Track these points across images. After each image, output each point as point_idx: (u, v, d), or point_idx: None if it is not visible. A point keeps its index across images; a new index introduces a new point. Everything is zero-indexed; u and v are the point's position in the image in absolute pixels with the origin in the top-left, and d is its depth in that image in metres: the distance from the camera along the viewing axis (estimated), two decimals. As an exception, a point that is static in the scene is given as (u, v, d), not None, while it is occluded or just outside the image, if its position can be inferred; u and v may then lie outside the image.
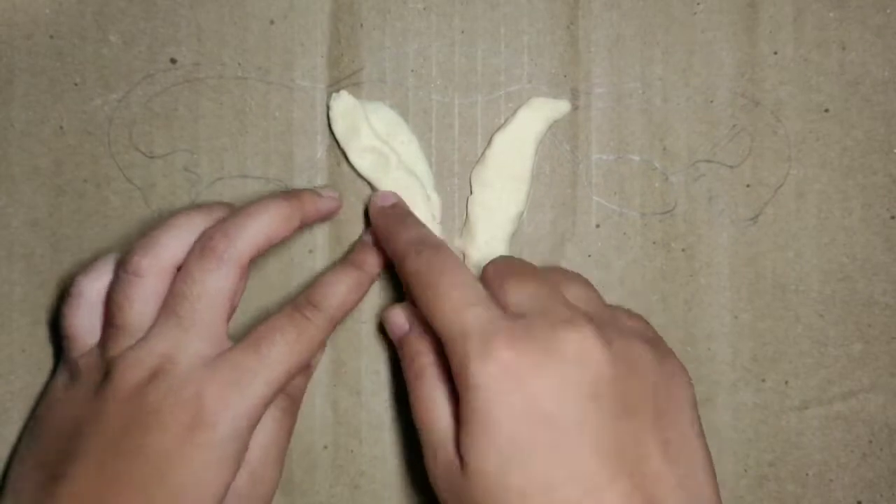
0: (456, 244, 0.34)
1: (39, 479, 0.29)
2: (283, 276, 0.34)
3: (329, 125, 0.34)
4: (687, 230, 0.34)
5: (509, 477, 0.26)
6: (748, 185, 0.34)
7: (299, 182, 0.34)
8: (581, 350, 0.27)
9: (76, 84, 0.34)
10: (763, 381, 0.34)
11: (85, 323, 0.30)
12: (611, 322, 0.29)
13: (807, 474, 0.34)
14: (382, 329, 0.34)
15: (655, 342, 0.29)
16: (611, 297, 0.34)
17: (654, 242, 0.34)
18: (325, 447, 0.34)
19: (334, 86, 0.34)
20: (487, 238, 0.33)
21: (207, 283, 0.29)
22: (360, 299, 0.32)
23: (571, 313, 0.27)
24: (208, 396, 0.28)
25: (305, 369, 0.33)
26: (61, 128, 0.34)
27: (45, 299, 0.34)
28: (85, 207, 0.34)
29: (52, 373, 0.33)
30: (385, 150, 0.33)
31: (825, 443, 0.34)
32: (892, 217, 0.34)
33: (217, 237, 0.29)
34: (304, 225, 0.31)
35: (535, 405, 0.26)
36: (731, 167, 0.34)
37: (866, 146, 0.34)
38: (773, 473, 0.34)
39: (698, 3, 0.34)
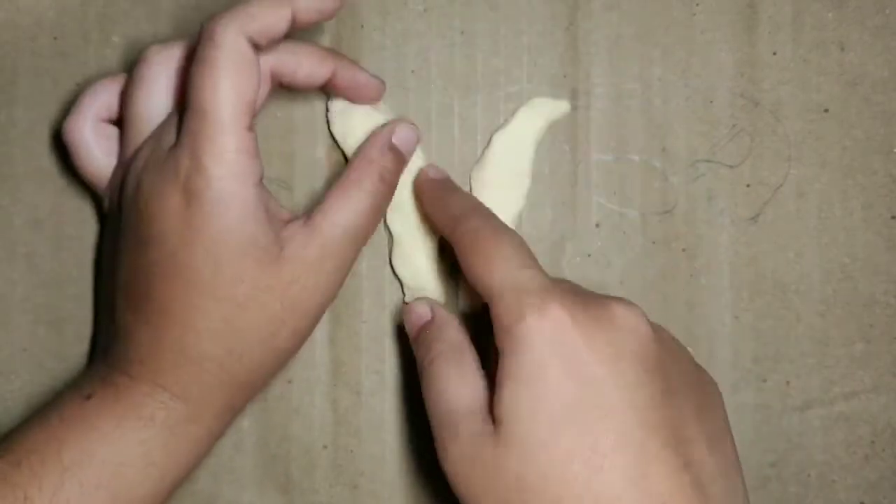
0: (456, 244, 0.34)
1: (107, 300, 0.31)
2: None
3: (328, 125, 0.34)
4: (687, 230, 0.34)
5: (556, 437, 0.25)
6: (748, 185, 0.34)
7: (300, 182, 0.34)
8: (632, 324, 0.27)
9: (79, 85, 0.34)
10: (764, 381, 0.34)
11: (101, 157, 0.31)
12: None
13: (809, 475, 0.34)
14: (382, 329, 0.34)
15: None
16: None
17: (653, 242, 0.34)
18: (325, 447, 0.34)
19: (335, 86, 0.34)
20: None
21: (201, 60, 0.28)
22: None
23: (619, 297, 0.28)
24: (183, 172, 0.28)
25: (402, 167, 0.32)
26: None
27: (46, 299, 0.34)
28: (87, 207, 0.34)
29: (52, 372, 0.33)
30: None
31: (827, 443, 0.34)
32: (893, 217, 0.34)
33: (210, 21, 0.28)
34: (301, 22, 0.29)
35: (587, 368, 0.26)
36: (730, 167, 0.34)
37: (866, 146, 0.34)
38: (775, 474, 0.34)
39: (697, 4, 0.34)
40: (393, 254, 0.34)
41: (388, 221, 0.33)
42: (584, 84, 0.34)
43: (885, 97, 0.34)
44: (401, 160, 0.32)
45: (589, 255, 0.34)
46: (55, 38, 0.34)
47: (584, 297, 0.27)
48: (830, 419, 0.34)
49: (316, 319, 0.31)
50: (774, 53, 0.34)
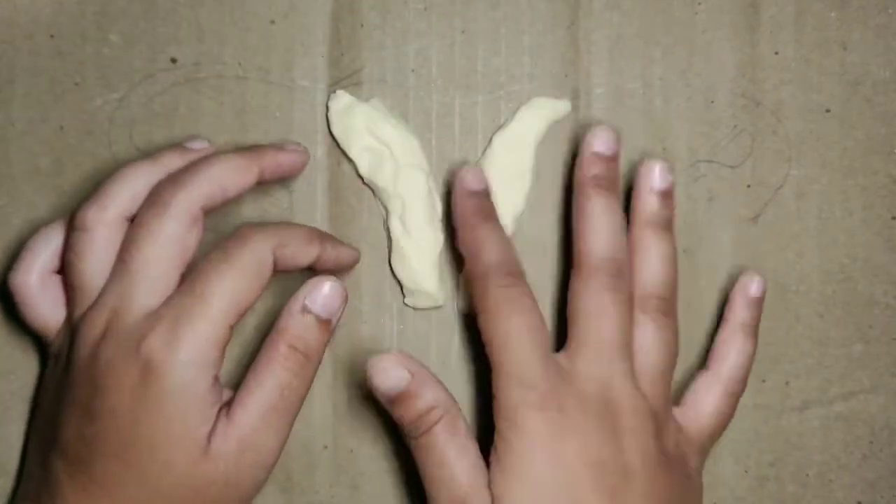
0: (456, 245, 0.34)
1: (41, 453, 0.30)
2: (283, 276, 0.34)
3: (328, 125, 0.34)
4: (687, 230, 0.34)
5: None
6: (749, 186, 0.34)
7: (300, 182, 0.34)
8: (636, 440, 0.29)
9: (77, 84, 0.34)
10: (763, 381, 0.34)
11: (47, 310, 0.30)
12: (665, 411, 0.31)
13: (807, 475, 0.34)
14: (382, 329, 0.34)
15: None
16: (611, 298, 0.34)
17: (654, 243, 0.34)
18: (325, 447, 0.34)
19: (335, 86, 0.34)
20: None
21: (154, 230, 0.28)
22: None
23: (630, 409, 0.29)
24: (151, 347, 0.27)
25: (325, 331, 0.29)
26: (62, 127, 0.34)
27: (45, 299, 0.34)
28: (85, 207, 0.34)
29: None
30: (384, 149, 0.33)
31: (825, 443, 0.34)
32: (893, 217, 0.34)
33: (166, 185, 0.29)
34: (264, 180, 0.30)
35: (571, 470, 0.28)
36: (731, 167, 0.34)
37: (867, 146, 0.34)
38: (774, 474, 0.34)
39: (699, 4, 0.34)
40: (392, 255, 0.34)
41: (389, 223, 0.33)
42: (584, 84, 0.34)
43: (887, 98, 0.34)
44: (322, 324, 0.29)
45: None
46: (52, 37, 0.34)
47: (584, 406, 0.28)
48: (829, 419, 0.34)
49: None
50: (776, 53, 0.34)
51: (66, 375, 0.29)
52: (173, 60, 0.34)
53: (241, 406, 0.28)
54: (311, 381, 0.29)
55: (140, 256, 0.28)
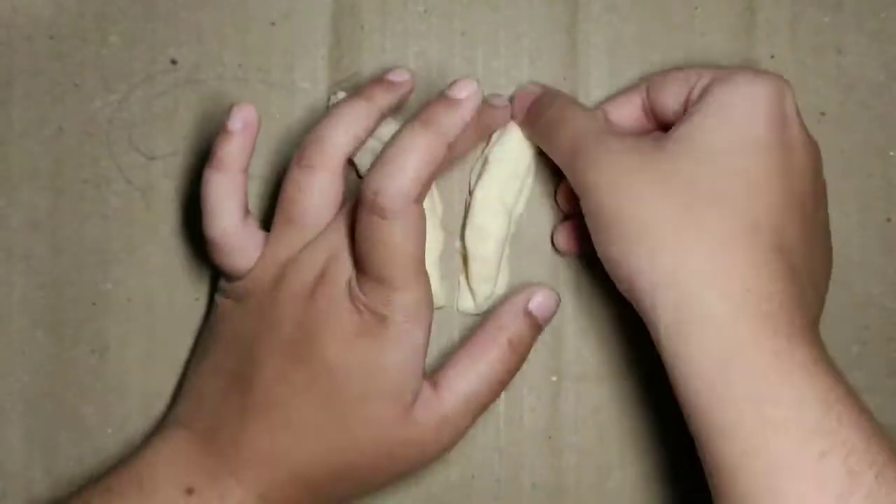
0: (456, 245, 0.34)
1: (221, 385, 0.30)
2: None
3: (329, 127, 0.34)
4: (685, 232, 0.34)
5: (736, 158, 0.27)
6: (746, 188, 0.34)
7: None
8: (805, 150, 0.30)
9: (76, 85, 0.34)
10: (761, 382, 0.34)
11: (249, 253, 0.30)
12: None
13: (804, 475, 0.34)
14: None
15: None
16: (611, 299, 0.34)
17: (652, 244, 0.34)
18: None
19: (335, 87, 0.34)
20: (487, 240, 0.33)
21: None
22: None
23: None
24: (373, 301, 0.28)
25: (537, 334, 0.31)
26: (61, 129, 0.34)
27: (44, 300, 0.33)
28: (84, 209, 0.34)
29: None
30: (385, 151, 0.33)
31: (823, 443, 0.35)
32: (889, 220, 0.35)
33: (308, 147, 0.29)
34: (386, 113, 0.31)
35: (791, 133, 0.29)
36: (729, 169, 0.34)
37: (862, 149, 0.35)
38: (771, 474, 0.35)
39: (696, 7, 0.34)
40: (393, 256, 0.34)
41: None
42: (583, 86, 0.34)
43: (881, 101, 0.35)
44: (536, 328, 0.31)
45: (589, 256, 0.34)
46: (51, 38, 0.34)
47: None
48: (826, 419, 0.35)
49: (404, 478, 0.31)
50: (772, 57, 0.35)
51: (271, 312, 0.29)
52: (173, 62, 0.34)
53: (449, 388, 0.29)
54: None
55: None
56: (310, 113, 0.34)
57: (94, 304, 0.34)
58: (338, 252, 0.29)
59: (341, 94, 0.34)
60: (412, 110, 0.34)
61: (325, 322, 0.28)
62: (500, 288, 0.34)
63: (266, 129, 0.34)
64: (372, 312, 0.28)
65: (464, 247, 0.34)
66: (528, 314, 0.31)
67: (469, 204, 0.34)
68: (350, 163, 0.34)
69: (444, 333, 0.34)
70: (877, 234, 0.35)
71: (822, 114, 0.35)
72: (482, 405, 0.30)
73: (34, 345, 0.33)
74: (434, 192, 0.34)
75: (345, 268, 0.28)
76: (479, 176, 0.34)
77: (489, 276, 0.33)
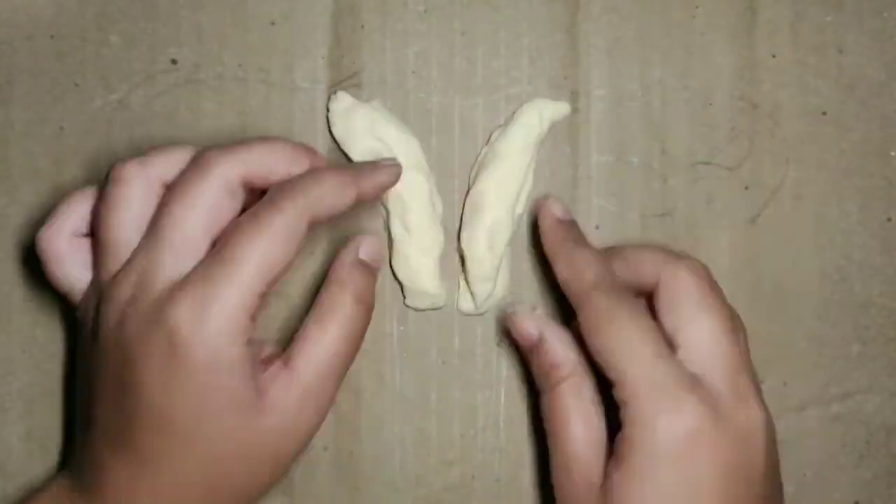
0: (456, 245, 0.34)
1: (78, 425, 0.30)
2: (283, 276, 0.34)
3: (329, 126, 0.34)
4: (686, 232, 0.34)
5: None
6: (746, 188, 0.34)
7: (300, 183, 0.34)
8: (751, 432, 0.28)
9: (77, 85, 0.34)
10: (761, 382, 0.34)
11: (75, 271, 0.29)
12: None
13: (805, 475, 0.35)
14: (383, 330, 0.34)
15: None
16: (610, 299, 0.34)
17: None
18: (326, 448, 0.34)
19: (335, 87, 0.34)
20: (487, 239, 0.33)
21: (189, 192, 0.27)
22: (351, 202, 0.29)
23: (748, 383, 0.29)
24: (178, 317, 0.26)
25: (374, 280, 0.31)
26: (62, 128, 0.34)
27: (44, 301, 0.33)
28: (85, 208, 0.34)
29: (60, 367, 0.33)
30: (385, 151, 0.33)
31: (823, 443, 0.35)
32: (889, 219, 0.35)
33: (210, 152, 0.28)
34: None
35: (700, 484, 0.27)
36: (729, 169, 0.34)
37: (863, 149, 0.35)
38: (772, 474, 0.35)
39: (697, 7, 0.34)
40: (393, 256, 0.34)
41: (389, 224, 0.33)
42: (584, 86, 0.34)
43: (882, 100, 0.35)
44: (372, 275, 0.31)
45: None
46: (52, 38, 0.34)
47: (716, 399, 0.28)
48: (826, 420, 0.35)
49: (294, 460, 0.30)
50: (773, 56, 0.34)
51: (94, 343, 0.28)
52: (173, 61, 0.34)
53: (305, 356, 0.29)
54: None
55: (171, 220, 0.27)
56: (310, 113, 0.34)
57: (94, 303, 0.34)
58: (147, 268, 0.27)
59: (342, 94, 0.33)
60: (413, 119, 0.34)
61: (138, 345, 0.27)
62: (500, 288, 0.34)
63: (266, 130, 0.34)
64: (179, 329, 0.26)
65: (463, 247, 0.34)
66: (362, 263, 0.31)
67: (468, 204, 0.34)
68: (348, 159, 0.34)
69: (445, 334, 0.34)
70: (877, 233, 0.35)
71: (823, 113, 0.35)
72: (344, 366, 0.30)
73: (34, 344, 0.33)
74: (434, 191, 0.34)
75: (156, 284, 0.27)
76: (479, 175, 0.34)
77: (489, 276, 0.33)
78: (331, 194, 0.28)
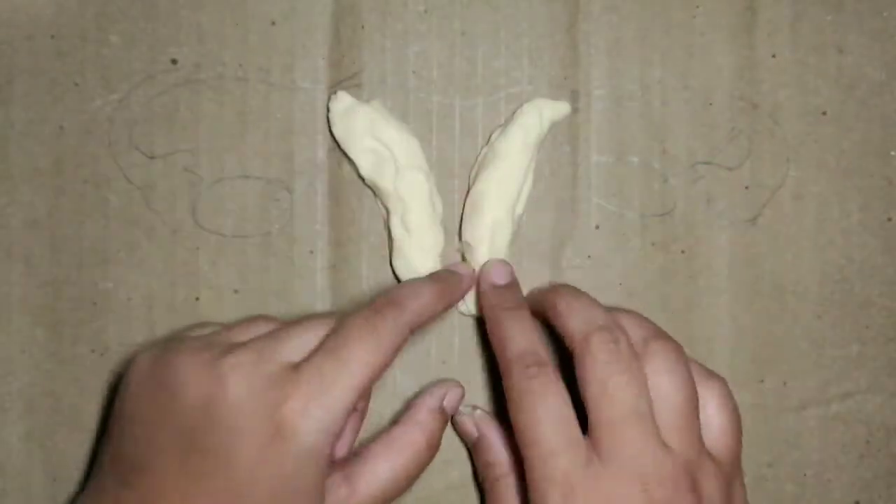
0: (456, 245, 0.34)
1: (120, 470, 0.29)
2: (284, 277, 0.34)
3: (329, 126, 0.34)
4: (686, 232, 0.34)
5: None
6: (747, 187, 0.34)
7: (300, 182, 0.34)
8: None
9: (77, 84, 0.34)
10: (761, 381, 0.34)
11: None
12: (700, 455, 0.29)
13: (805, 475, 0.35)
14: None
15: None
16: (610, 299, 0.34)
17: (653, 244, 0.34)
18: (326, 448, 0.34)
19: (335, 87, 0.34)
20: (487, 239, 0.33)
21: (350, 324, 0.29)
22: (443, 310, 0.31)
23: (662, 478, 0.28)
24: (290, 409, 0.27)
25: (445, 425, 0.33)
26: (61, 128, 0.34)
27: (44, 300, 0.33)
28: (85, 208, 0.34)
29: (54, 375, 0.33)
30: (385, 150, 0.33)
31: (823, 443, 0.35)
32: (889, 219, 0.35)
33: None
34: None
35: None
36: (729, 169, 0.34)
37: (863, 149, 0.35)
38: (772, 474, 0.35)
39: (697, 7, 0.34)
40: (393, 256, 0.34)
41: (389, 224, 0.33)
42: (584, 86, 0.34)
43: (882, 100, 0.35)
44: (446, 421, 0.33)
45: (589, 257, 0.34)
46: (52, 37, 0.34)
47: (613, 487, 0.28)
48: (826, 419, 0.35)
49: None
50: (773, 56, 0.34)
51: (171, 402, 0.28)
52: (174, 61, 0.34)
53: (366, 481, 0.30)
54: None
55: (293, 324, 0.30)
56: (310, 113, 0.34)
57: (94, 303, 0.34)
58: (263, 349, 0.29)
59: (342, 94, 0.34)
60: (413, 119, 0.34)
61: (238, 418, 0.27)
62: (501, 288, 0.34)
63: (266, 130, 0.34)
64: (287, 420, 0.27)
65: (463, 247, 0.34)
66: (443, 411, 0.32)
67: (468, 204, 0.34)
68: (350, 162, 0.34)
69: (444, 333, 0.34)
70: (877, 233, 0.35)
71: (823, 113, 0.35)
72: (396, 497, 0.30)
73: (34, 344, 0.33)
74: (434, 191, 0.34)
75: (269, 366, 0.28)
76: (479, 175, 0.34)
77: (489, 276, 0.33)
78: (430, 308, 0.30)
